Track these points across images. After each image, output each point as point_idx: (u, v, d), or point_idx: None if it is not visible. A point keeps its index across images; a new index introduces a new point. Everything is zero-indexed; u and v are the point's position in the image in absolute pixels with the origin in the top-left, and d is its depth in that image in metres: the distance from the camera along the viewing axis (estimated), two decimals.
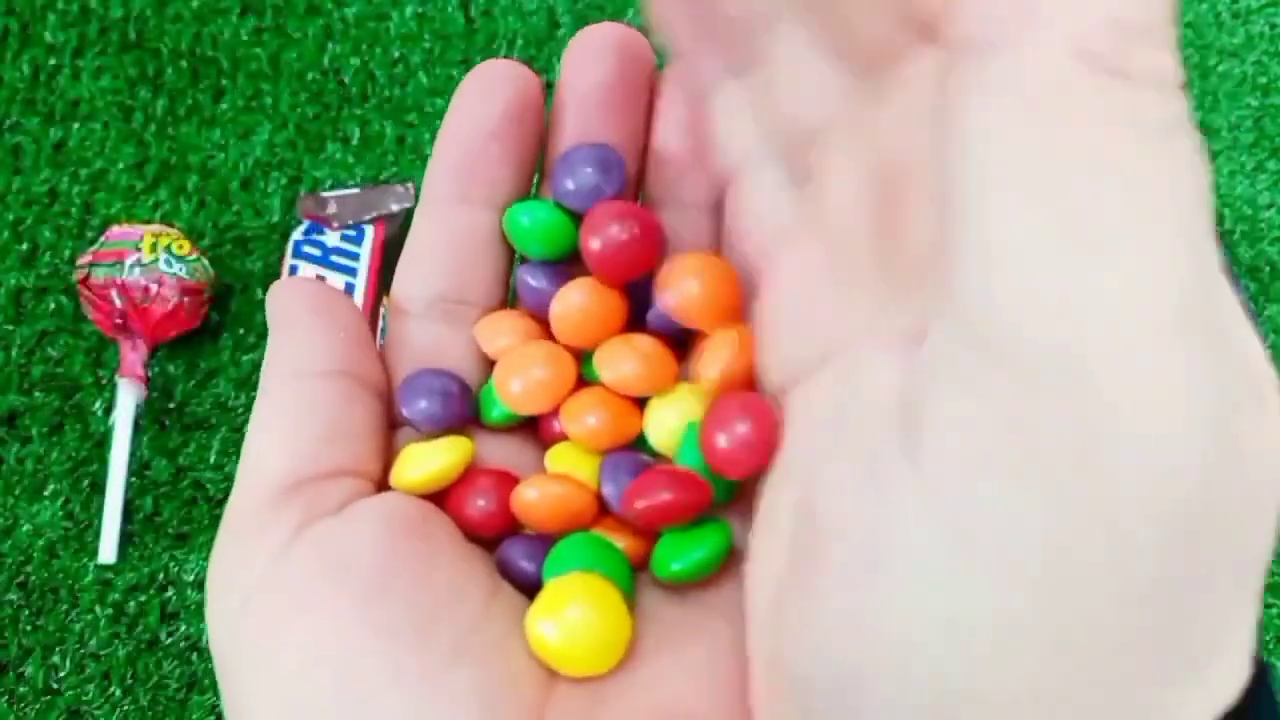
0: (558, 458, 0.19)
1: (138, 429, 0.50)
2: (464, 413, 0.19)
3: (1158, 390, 0.11)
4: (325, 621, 0.16)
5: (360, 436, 0.19)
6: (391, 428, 0.20)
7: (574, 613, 0.16)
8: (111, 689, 0.46)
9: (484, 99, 0.20)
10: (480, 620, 0.17)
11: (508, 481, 0.19)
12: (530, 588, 0.18)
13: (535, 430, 0.20)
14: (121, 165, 0.56)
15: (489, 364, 0.20)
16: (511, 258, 0.20)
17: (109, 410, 0.50)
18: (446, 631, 0.17)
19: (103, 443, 0.50)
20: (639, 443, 0.19)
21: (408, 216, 0.54)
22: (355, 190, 0.56)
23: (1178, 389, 0.11)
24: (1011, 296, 0.11)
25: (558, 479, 0.19)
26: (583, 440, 0.19)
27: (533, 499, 0.18)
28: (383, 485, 0.19)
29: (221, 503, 0.49)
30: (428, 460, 0.18)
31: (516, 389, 0.19)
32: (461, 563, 0.18)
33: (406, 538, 0.18)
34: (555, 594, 0.17)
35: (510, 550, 0.18)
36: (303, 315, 0.19)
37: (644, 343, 0.19)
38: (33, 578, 0.48)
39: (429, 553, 0.18)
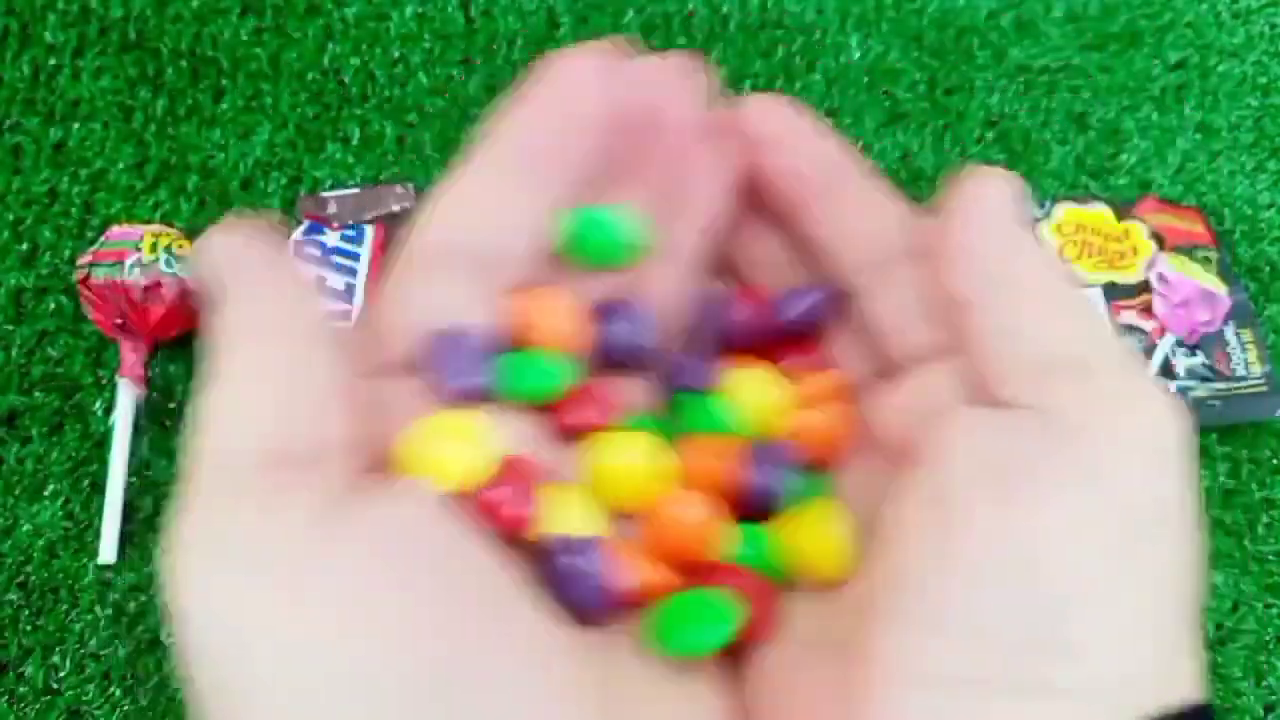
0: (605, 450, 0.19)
1: (138, 429, 0.50)
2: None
3: None
4: (446, 625, 0.15)
5: (352, 408, 0.16)
6: None
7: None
8: (111, 689, 0.46)
9: (588, 93, 0.18)
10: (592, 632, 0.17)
11: (538, 476, 0.18)
12: (582, 607, 0.17)
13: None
14: (121, 165, 0.56)
15: (505, 334, 0.19)
16: (553, 256, 0.19)
17: (109, 410, 0.50)
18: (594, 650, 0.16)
19: (103, 443, 0.50)
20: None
21: (408, 217, 0.54)
22: (355, 190, 0.56)
23: None
24: None
25: (666, 570, 0.18)
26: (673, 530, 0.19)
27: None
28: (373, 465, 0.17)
29: None
30: (468, 451, 0.17)
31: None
32: (515, 569, 0.17)
33: (477, 536, 0.16)
34: None
35: (579, 575, 0.17)
36: (267, 271, 0.17)
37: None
38: (33, 578, 0.48)
39: (499, 558, 0.16)
